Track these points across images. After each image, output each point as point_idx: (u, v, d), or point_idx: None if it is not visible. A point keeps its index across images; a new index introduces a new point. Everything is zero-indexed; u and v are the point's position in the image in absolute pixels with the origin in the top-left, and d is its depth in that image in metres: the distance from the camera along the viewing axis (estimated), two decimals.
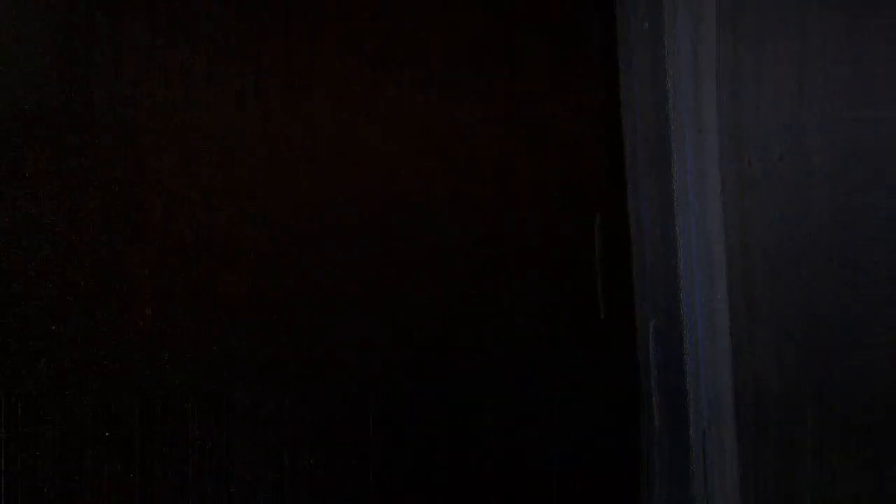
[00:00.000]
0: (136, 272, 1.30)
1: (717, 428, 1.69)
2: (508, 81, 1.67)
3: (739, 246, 1.67)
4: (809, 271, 1.57)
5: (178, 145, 1.35)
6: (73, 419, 1.24)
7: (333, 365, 1.44)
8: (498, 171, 1.63)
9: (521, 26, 1.69)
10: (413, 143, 1.56)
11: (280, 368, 1.40)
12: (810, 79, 1.58)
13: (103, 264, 1.28)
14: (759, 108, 1.65)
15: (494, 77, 1.65)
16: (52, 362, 1.23)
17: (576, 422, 1.66)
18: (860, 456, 1.52)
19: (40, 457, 1.22)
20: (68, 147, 1.27)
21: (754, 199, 1.65)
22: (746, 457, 1.65)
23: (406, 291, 1.52)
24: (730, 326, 1.68)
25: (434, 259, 1.55)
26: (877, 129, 1.50)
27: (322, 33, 1.49)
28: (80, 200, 1.27)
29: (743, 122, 1.67)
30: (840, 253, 1.54)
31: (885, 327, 1.48)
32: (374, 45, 1.53)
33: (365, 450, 1.46)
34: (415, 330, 1.52)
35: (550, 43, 1.72)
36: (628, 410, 1.73)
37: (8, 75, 1.24)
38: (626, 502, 1.70)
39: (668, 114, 1.76)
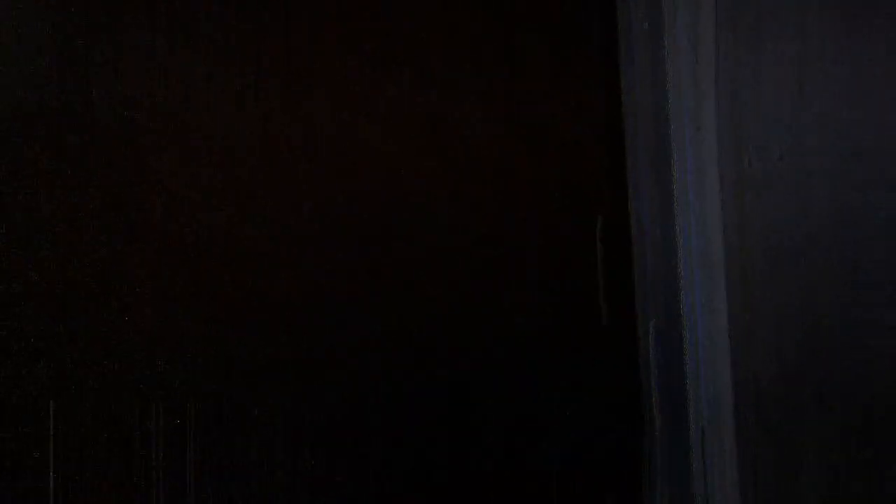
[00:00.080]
0: (136, 272, 1.30)
1: (717, 427, 1.69)
2: (508, 81, 1.67)
3: (739, 246, 1.67)
4: (809, 271, 1.57)
5: (178, 145, 1.35)
6: (73, 419, 1.24)
7: (333, 365, 1.44)
8: (498, 171, 1.63)
9: (521, 26, 1.69)
10: (413, 143, 1.56)
11: (280, 368, 1.40)
12: (810, 79, 1.58)
13: (103, 264, 1.28)
14: (758, 108, 1.64)
15: (494, 77, 1.65)
16: (52, 362, 1.23)
17: (576, 421, 1.66)
18: (860, 456, 1.52)
19: (40, 457, 1.22)
20: (68, 147, 1.27)
21: (754, 199, 1.65)
22: (746, 456, 1.65)
23: (406, 291, 1.52)
24: (729, 326, 1.68)
25: (434, 259, 1.55)
26: (877, 129, 1.50)
27: (322, 33, 1.49)
28: (80, 200, 1.27)
29: (743, 122, 1.67)
30: (840, 253, 1.54)
31: (885, 327, 1.48)
32: (374, 45, 1.53)
33: (365, 450, 1.45)
34: (415, 330, 1.52)
35: (550, 43, 1.72)
36: (628, 410, 1.73)
37: (8, 75, 1.24)
38: (627, 502, 1.70)
39: (668, 114, 1.76)
